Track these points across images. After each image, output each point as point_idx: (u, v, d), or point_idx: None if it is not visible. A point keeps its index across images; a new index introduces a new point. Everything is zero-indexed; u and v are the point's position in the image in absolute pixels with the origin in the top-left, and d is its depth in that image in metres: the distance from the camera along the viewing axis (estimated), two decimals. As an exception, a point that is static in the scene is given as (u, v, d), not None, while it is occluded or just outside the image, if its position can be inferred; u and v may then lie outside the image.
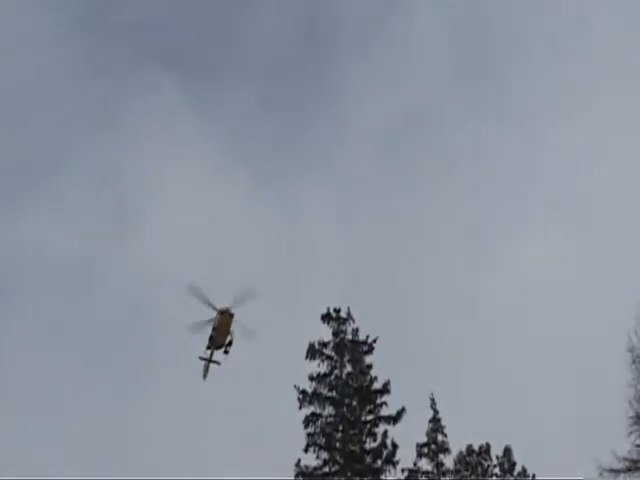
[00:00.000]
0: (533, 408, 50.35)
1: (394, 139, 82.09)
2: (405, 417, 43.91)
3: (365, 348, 45.78)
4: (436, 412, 46.41)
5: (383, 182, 79.37)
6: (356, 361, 45.37)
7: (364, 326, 46.35)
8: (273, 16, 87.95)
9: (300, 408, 44.13)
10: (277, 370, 45.78)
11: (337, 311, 46.77)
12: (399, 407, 43.90)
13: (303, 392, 44.45)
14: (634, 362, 38.29)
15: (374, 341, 45.90)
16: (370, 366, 45.42)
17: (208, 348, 40.70)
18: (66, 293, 66.19)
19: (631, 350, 38.31)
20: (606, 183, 72.33)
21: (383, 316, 55.66)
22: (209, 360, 40.91)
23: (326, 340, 45.89)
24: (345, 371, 45.23)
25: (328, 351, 45.66)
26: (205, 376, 41.40)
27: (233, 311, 38.57)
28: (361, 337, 46.08)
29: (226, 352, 40.82)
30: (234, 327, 38.74)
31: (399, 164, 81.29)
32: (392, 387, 44.54)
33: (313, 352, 45.38)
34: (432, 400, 46.45)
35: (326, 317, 46.54)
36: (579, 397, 49.09)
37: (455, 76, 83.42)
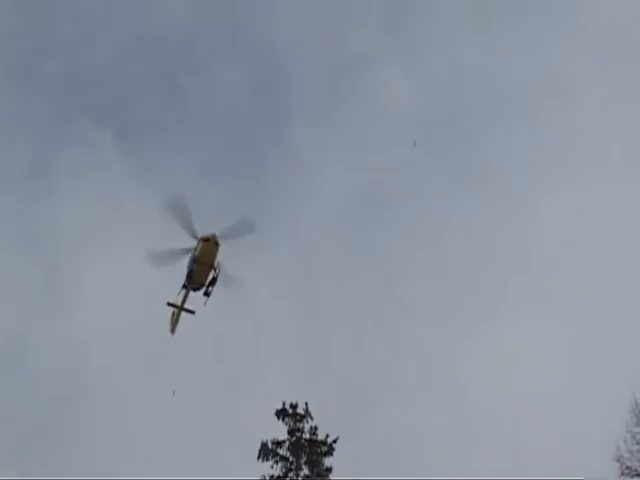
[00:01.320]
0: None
1: (359, 212, 78.07)
2: (368, 529, 40.17)
3: (324, 449, 42.30)
4: (403, 524, 42.60)
5: (345, 262, 74.91)
6: (314, 463, 41.80)
7: (323, 424, 43.03)
8: (224, 71, 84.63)
9: (250, 516, 40.34)
10: (224, 471, 41.62)
11: (294, 407, 43.22)
12: (361, 517, 40.19)
13: (254, 498, 40.61)
14: (622, 474, 34.33)
15: (334, 441, 42.47)
16: (330, 469, 41.86)
17: (184, 287, 35.70)
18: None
19: (619, 460, 34.43)
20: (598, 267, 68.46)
21: (344, 413, 51.70)
22: (180, 307, 35.67)
23: (281, 439, 42.36)
24: (302, 474, 41.56)
25: (283, 451, 42.09)
26: (174, 329, 35.84)
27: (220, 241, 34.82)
28: (320, 436, 42.67)
29: (207, 294, 36.10)
30: (220, 261, 34.65)
31: (365, 241, 76.85)
32: (354, 494, 40.83)
33: (266, 452, 41.79)
34: (399, 509, 42.81)
35: (281, 413, 42.97)
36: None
37: (428, 144, 79.91)
